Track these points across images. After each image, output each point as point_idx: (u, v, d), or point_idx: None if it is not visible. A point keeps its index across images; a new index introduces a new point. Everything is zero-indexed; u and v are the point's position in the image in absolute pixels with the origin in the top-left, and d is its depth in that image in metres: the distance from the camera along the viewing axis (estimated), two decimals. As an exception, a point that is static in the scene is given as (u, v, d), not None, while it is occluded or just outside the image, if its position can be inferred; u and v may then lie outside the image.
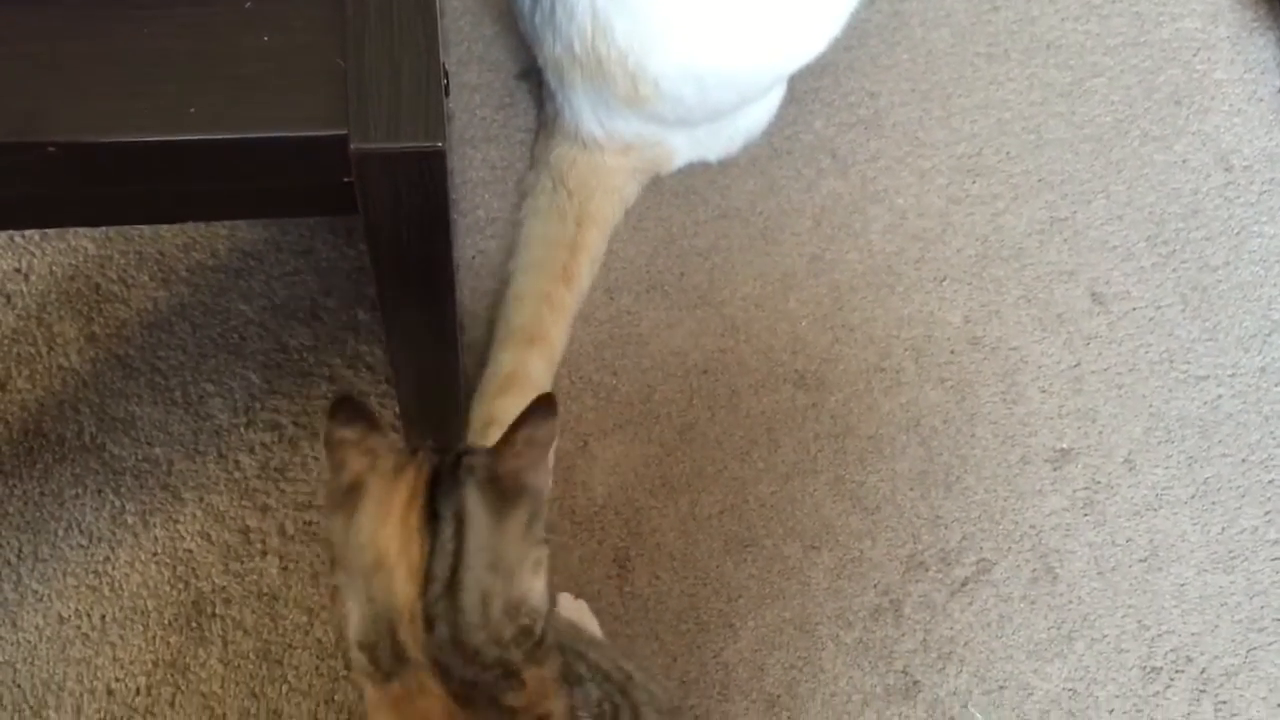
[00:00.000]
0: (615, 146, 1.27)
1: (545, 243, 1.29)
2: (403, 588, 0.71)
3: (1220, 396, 1.33)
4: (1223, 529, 1.28)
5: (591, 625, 1.15)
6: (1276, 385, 1.34)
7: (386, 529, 0.72)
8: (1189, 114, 1.46)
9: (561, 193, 1.30)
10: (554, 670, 0.78)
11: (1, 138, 0.67)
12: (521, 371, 1.22)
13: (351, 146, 0.67)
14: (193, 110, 0.67)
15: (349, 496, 0.73)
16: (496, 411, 1.19)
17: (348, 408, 0.76)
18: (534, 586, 0.76)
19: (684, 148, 1.32)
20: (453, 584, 0.71)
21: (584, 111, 1.26)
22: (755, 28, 1.18)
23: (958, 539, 1.25)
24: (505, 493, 0.74)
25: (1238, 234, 1.41)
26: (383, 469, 0.74)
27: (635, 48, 1.15)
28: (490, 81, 1.40)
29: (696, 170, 1.37)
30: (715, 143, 1.34)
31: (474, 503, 0.72)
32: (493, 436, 1.15)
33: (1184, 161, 1.44)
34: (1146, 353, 1.35)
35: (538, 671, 0.77)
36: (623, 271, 1.33)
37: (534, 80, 1.40)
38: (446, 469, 0.74)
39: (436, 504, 0.72)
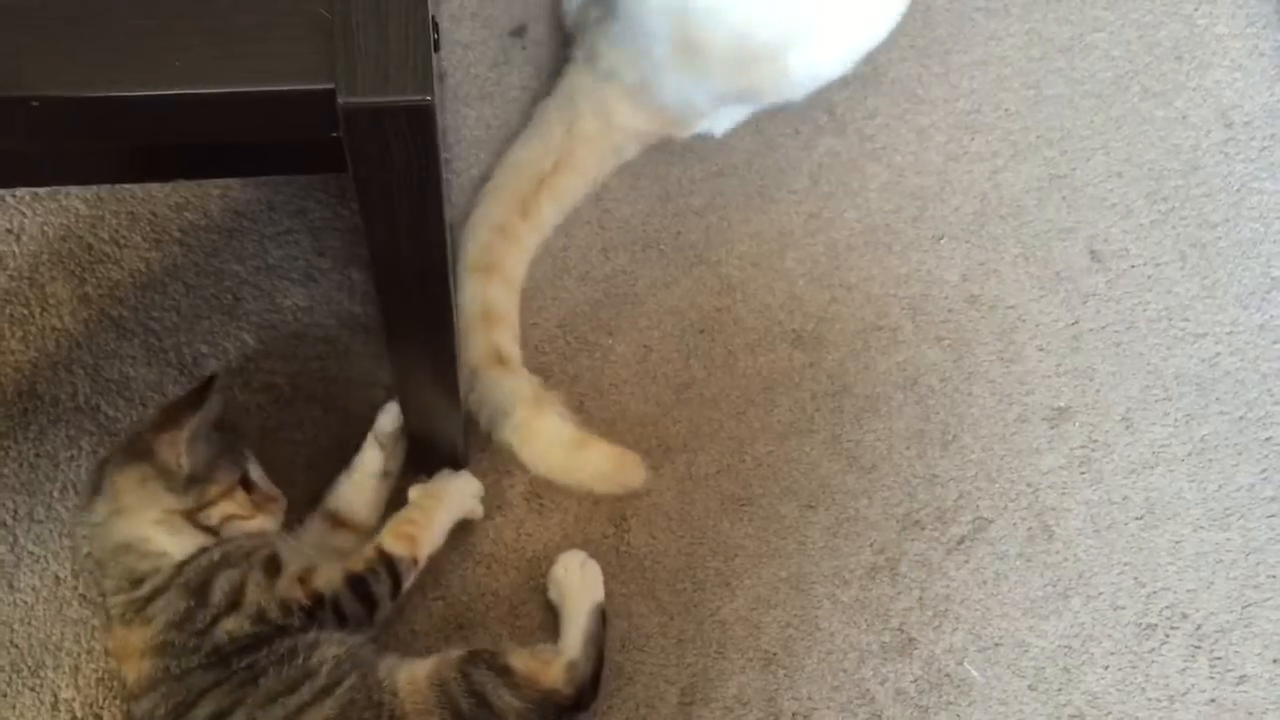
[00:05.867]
0: (642, 104, 1.25)
1: (516, 170, 1.28)
2: None
3: (1218, 354, 1.33)
4: (1219, 486, 1.28)
5: (594, 586, 1.15)
6: (1275, 343, 1.34)
7: None
8: (1190, 69, 1.45)
9: (558, 130, 1.28)
10: (141, 642, 0.96)
11: (-17, 93, 0.66)
12: (489, 306, 1.21)
13: (339, 100, 0.66)
14: (177, 64, 0.66)
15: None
16: (480, 355, 1.19)
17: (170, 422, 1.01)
18: (150, 535, 0.98)
19: (709, 119, 1.31)
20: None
21: (626, 63, 1.23)
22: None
23: (954, 497, 1.25)
24: (135, 455, 0.99)
25: (1238, 190, 1.40)
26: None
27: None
28: (484, 39, 1.39)
29: (692, 128, 1.36)
30: (737, 115, 1.33)
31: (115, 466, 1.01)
32: (487, 378, 1.17)
33: (1184, 117, 1.43)
34: (1145, 310, 1.34)
35: (123, 631, 0.97)
36: (618, 230, 1.33)
37: (528, 37, 1.38)
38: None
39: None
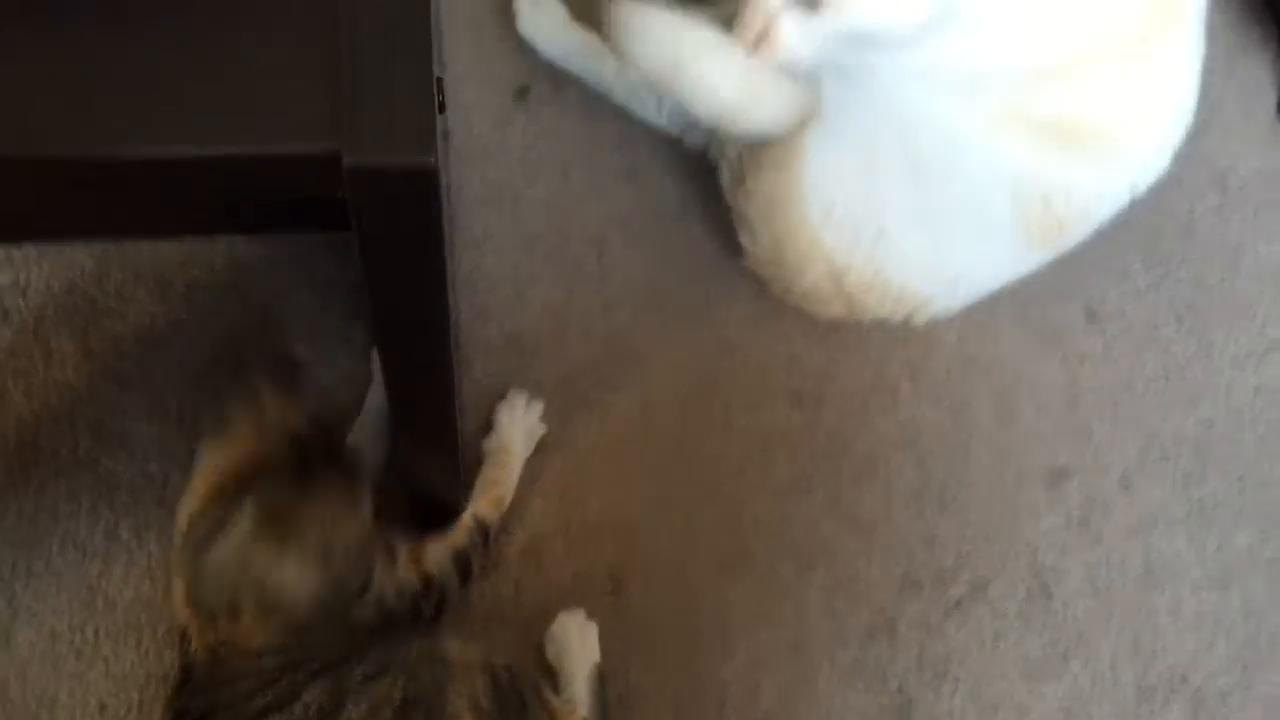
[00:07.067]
0: None
1: None
2: (185, 507, 0.99)
3: (1216, 416, 1.33)
4: (1218, 548, 1.28)
5: (591, 648, 1.15)
6: (1272, 404, 1.34)
7: (212, 474, 0.99)
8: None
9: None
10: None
11: (-2, 152, 0.67)
12: None
13: (344, 161, 0.67)
14: (184, 125, 0.67)
15: (218, 426, 1.01)
16: None
17: (284, 374, 1.05)
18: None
19: None
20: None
21: None
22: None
23: (953, 558, 1.25)
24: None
25: (1233, 253, 1.41)
26: (251, 436, 1.00)
27: None
28: (487, 100, 1.41)
29: (695, 185, 1.37)
30: None
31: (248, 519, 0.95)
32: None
33: (1179, 180, 1.43)
34: (1142, 371, 1.35)
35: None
36: (620, 288, 1.33)
37: (530, 98, 1.40)
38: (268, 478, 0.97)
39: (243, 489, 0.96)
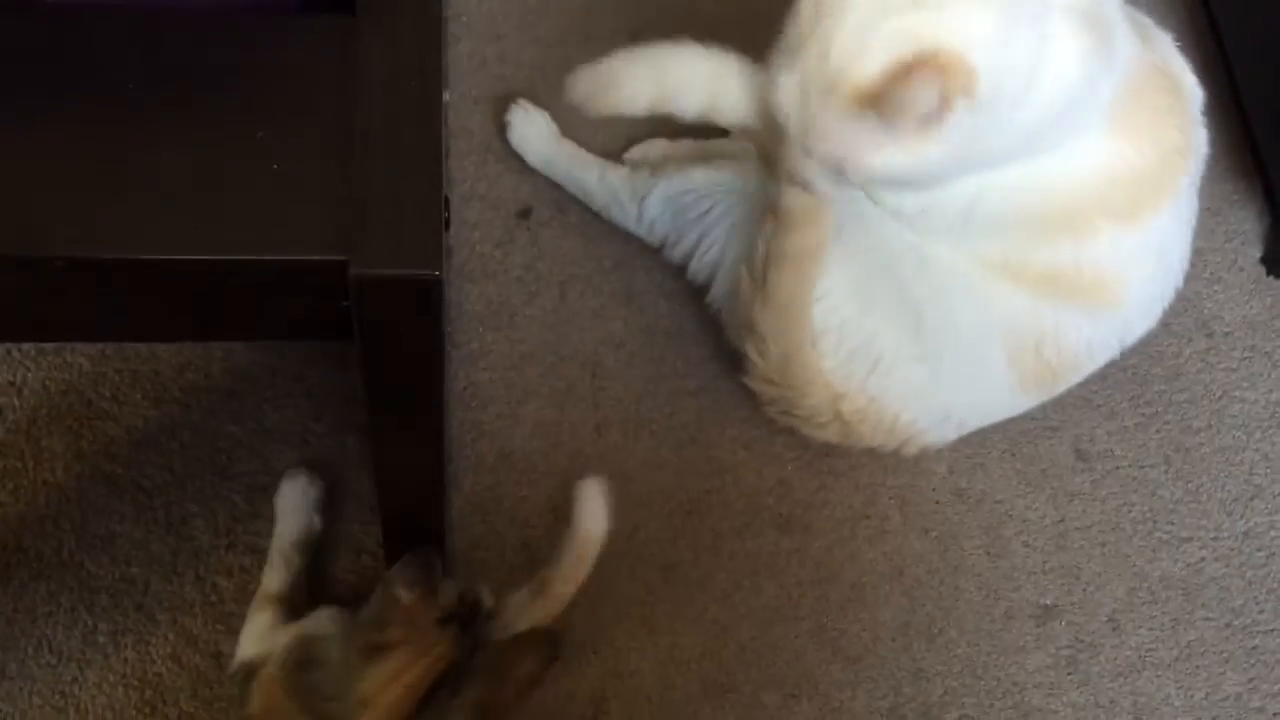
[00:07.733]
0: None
1: None
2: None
3: (1203, 559, 1.33)
4: (1206, 695, 1.27)
5: None
6: (1259, 550, 1.34)
7: (387, 693, 0.95)
8: (1171, 279, 1.49)
9: None
10: None
11: (12, 251, 0.68)
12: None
13: (351, 272, 0.68)
14: (200, 231, 0.69)
15: (376, 649, 0.97)
16: None
17: (415, 568, 1.00)
18: None
19: None
20: None
21: None
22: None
23: (940, 693, 1.24)
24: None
25: (1219, 398, 1.43)
26: (413, 643, 0.96)
27: None
28: (490, 219, 1.44)
29: (690, 308, 1.39)
30: None
31: None
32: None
33: (1166, 326, 1.46)
34: (1130, 511, 1.35)
35: None
36: (612, 408, 1.34)
37: (533, 219, 1.43)
38: (450, 681, 0.96)
39: (428, 703, 0.95)
